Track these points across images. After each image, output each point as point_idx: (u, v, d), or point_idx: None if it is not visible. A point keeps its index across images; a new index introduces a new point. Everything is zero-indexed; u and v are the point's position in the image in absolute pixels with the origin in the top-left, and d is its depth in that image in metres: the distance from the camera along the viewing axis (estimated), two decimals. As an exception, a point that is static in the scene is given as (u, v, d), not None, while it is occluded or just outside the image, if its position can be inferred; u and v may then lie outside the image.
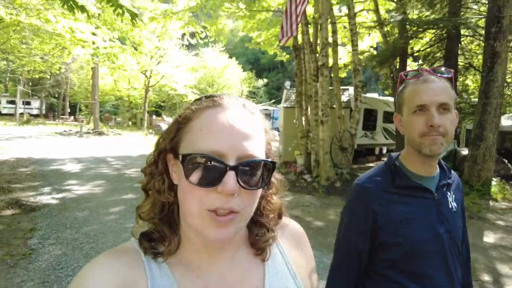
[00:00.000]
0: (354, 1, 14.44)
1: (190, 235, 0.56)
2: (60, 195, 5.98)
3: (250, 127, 0.53)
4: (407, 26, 11.54)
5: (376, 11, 13.88)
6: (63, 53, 19.65)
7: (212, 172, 0.49)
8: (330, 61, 8.87)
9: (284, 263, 0.64)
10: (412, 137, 0.95)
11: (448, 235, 0.98)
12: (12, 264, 3.34)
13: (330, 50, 8.28)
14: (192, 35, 17.87)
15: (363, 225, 0.99)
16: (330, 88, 9.66)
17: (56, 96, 43.01)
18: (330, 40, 8.92)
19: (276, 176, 0.65)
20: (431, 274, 0.95)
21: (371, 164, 12.46)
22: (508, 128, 12.33)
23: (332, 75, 9.09)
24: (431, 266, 0.96)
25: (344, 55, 15.44)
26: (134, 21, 4.02)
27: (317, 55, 7.74)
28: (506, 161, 9.31)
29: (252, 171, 0.51)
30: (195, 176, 0.49)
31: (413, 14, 13.23)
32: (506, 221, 5.63)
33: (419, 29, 11.14)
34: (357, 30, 12.80)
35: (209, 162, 0.49)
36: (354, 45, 7.92)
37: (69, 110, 42.06)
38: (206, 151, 0.49)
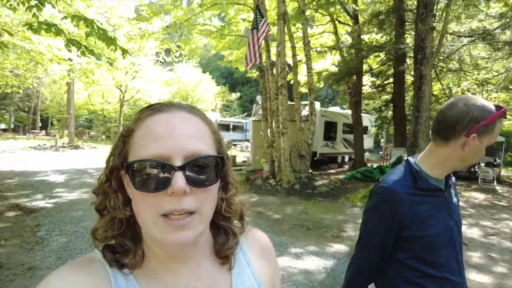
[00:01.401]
0: (316, 24, 16.13)
1: (152, 246, 0.56)
2: (53, 200, 6.81)
3: (193, 127, 0.53)
4: (365, 45, 13.16)
5: (335, 33, 15.52)
6: (37, 68, 20.04)
7: (159, 176, 0.49)
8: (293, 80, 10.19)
9: (250, 272, 0.64)
10: (472, 162, 1.11)
11: (456, 227, 1.14)
12: (29, 248, 4.25)
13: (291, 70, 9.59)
14: (167, 52, 18.92)
15: (389, 223, 1.09)
16: (292, 103, 11.00)
17: (26, 110, 42.33)
18: (291, 62, 10.27)
19: (235, 178, 0.66)
20: (445, 262, 1.09)
21: (332, 171, 13.84)
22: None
23: (294, 92, 10.43)
24: (446, 255, 1.10)
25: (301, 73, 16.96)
26: (124, 55, 5.06)
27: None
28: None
29: (200, 169, 0.51)
30: (143, 183, 0.49)
31: (370, 37, 14.98)
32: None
33: (370, 51, 12.76)
34: (312, 54, 14.37)
35: (154, 167, 0.49)
36: (309, 68, 9.26)
37: (40, 125, 41.43)
38: (150, 156, 0.49)
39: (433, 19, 8.47)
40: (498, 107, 1.05)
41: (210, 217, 0.57)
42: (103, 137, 33.64)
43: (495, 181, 10.98)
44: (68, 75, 17.83)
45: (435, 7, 9.95)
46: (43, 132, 37.80)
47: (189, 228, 0.51)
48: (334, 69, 16.85)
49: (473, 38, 11.81)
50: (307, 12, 13.15)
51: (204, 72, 39.27)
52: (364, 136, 17.36)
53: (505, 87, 15.84)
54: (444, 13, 8.77)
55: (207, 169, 0.53)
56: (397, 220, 1.09)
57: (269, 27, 7.61)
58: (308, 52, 9.14)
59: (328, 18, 15.19)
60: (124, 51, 4.92)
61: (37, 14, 3.97)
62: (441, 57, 12.13)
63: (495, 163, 11.55)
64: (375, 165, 13.32)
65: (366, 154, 20.33)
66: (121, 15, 25.10)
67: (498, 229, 5.91)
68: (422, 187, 1.10)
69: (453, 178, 1.22)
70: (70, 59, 15.67)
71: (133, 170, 0.50)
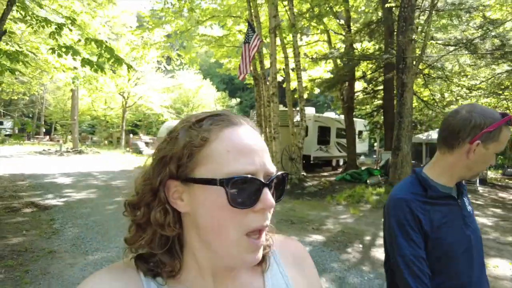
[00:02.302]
0: (311, 33, 16.85)
1: (200, 260, 0.55)
2: (63, 199, 7.49)
3: (263, 143, 0.55)
4: (353, 55, 13.86)
5: (329, 42, 16.27)
6: (42, 75, 20.84)
7: (249, 192, 0.49)
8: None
9: (281, 277, 0.64)
10: (479, 170, 1.11)
11: (474, 235, 1.12)
12: (47, 237, 4.92)
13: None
14: (169, 61, 19.69)
15: (415, 232, 1.07)
16: (285, 109, 11.69)
17: (31, 116, 43.20)
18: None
19: None
20: (462, 271, 1.07)
21: (325, 174, 14.48)
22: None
23: (287, 99, 11.12)
24: (462, 264, 1.08)
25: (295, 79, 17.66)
26: (129, 70, 5.75)
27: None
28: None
29: (276, 186, 0.54)
30: (235, 199, 0.48)
31: (361, 45, 15.69)
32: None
33: (360, 60, 13.46)
34: (308, 61, 15.11)
35: (247, 183, 0.49)
36: (299, 77, 9.96)
37: (44, 130, 42.24)
38: (241, 173, 0.49)
39: (413, 31, 9.15)
40: (503, 115, 1.06)
41: None
42: (106, 142, 34.39)
43: (477, 181, 11.59)
44: (73, 82, 18.57)
45: (418, 19, 10.69)
46: (47, 137, 38.61)
47: (262, 247, 0.52)
48: (329, 76, 17.55)
49: (457, 47, 12.48)
50: (302, 22, 13.98)
51: (204, 78, 40.09)
52: (358, 140, 18.05)
53: (494, 92, 16.55)
54: (425, 26, 9.45)
55: (279, 186, 0.54)
56: (418, 227, 1.07)
57: (260, 41, 8.31)
58: (298, 62, 9.84)
59: (322, 27, 15.94)
60: (129, 67, 5.62)
61: (56, 38, 4.69)
62: (425, 66, 12.79)
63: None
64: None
65: (362, 158, 21.04)
66: (124, 23, 26.00)
67: (466, 224, 6.54)
68: (432, 195, 1.10)
69: (465, 186, 1.22)
70: (75, 68, 16.43)
71: (230, 185, 0.48)
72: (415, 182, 1.15)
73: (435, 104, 15.87)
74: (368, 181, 10.66)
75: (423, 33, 10.11)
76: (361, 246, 5.05)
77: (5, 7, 4.15)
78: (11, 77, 21.90)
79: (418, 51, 10.19)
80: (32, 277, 3.56)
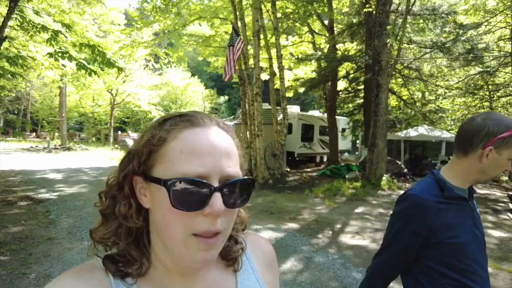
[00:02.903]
0: (296, 33, 17.35)
1: (163, 257, 0.55)
2: (56, 193, 7.89)
3: (228, 146, 0.53)
4: (334, 56, 14.48)
5: (313, 42, 16.87)
6: (29, 72, 20.90)
7: (197, 195, 0.48)
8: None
9: (255, 277, 0.65)
10: (493, 175, 1.17)
11: (481, 236, 1.20)
12: (45, 226, 5.35)
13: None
14: (157, 59, 19.97)
15: (416, 229, 1.14)
16: (269, 108, 12.22)
17: (16, 112, 42.71)
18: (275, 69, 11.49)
19: None
20: (473, 269, 1.13)
21: (308, 170, 15.10)
22: (415, 138, 15.44)
23: (270, 99, 11.65)
24: (474, 263, 1.14)
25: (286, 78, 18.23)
26: (119, 72, 6.18)
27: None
28: (400, 162, 12.25)
29: (234, 191, 0.52)
30: (181, 201, 0.48)
31: (343, 46, 16.33)
32: (376, 201, 8.29)
33: (340, 61, 14.07)
34: (293, 61, 15.66)
35: (194, 185, 0.48)
36: (281, 78, 10.50)
37: (31, 126, 41.76)
38: (190, 174, 0.48)
39: (387, 36, 9.77)
40: None
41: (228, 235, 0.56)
42: (94, 139, 34.44)
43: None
44: (61, 79, 18.70)
45: (395, 23, 11.33)
46: (34, 134, 38.31)
47: (215, 248, 0.51)
48: (314, 75, 18.14)
49: (432, 50, 13.19)
50: (287, 23, 14.52)
51: (193, 75, 40.33)
52: (341, 137, 18.74)
53: (470, 92, 17.43)
54: (400, 31, 10.07)
55: (239, 191, 0.53)
56: (426, 226, 1.13)
57: (244, 44, 8.80)
58: (280, 63, 10.38)
59: (306, 28, 16.49)
60: (120, 69, 6.05)
61: (53, 43, 5.11)
62: (402, 67, 13.48)
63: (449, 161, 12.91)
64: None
65: (345, 155, 21.78)
66: (112, 20, 26.08)
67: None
68: (448, 195, 1.15)
69: (474, 188, 1.29)
70: (63, 65, 16.62)
71: (172, 186, 0.48)
72: (433, 183, 1.21)
73: (414, 103, 16.65)
74: (346, 176, 11.30)
75: (398, 37, 10.74)
76: (330, 232, 5.64)
77: (5, 15, 4.55)
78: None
79: (395, 54, 10.83)
80: (35, 259, 4.02)
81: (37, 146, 23.03)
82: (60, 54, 5.01)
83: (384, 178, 10.32)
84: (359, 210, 7.35)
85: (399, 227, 1.19)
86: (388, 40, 9.75)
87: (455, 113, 19.32)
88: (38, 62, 15.54)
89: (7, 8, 4.43)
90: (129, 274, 0.54)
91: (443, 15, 11.94)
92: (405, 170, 11.91)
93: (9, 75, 4.99)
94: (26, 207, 6.55)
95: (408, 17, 11.93)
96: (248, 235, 0.70)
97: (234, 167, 0.53)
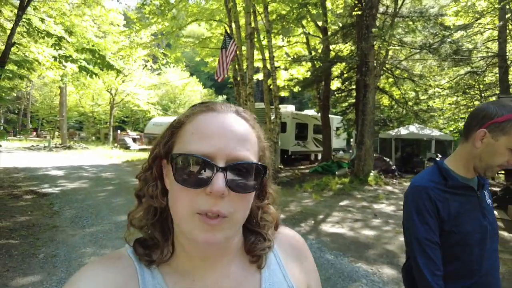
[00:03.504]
0: (292, 34, 17.79)
1: (183, 242, 0.56)
2: (58, 188, 8.35)
3: (241, 131, 0.54)
4: (325, 57, 14.94)
5: (307, 43, 17.32)
6: (30, 72, 21.27)
7: (201, 173, 0.49)
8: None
9: (281, 274, 0.63)
10: (490, 162, 1.11)
11: (490, 226, 1.18)
12: (49, 216, 5.82)
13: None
14: (155, 59, 20.45)
15: (431, 218, 1.14)
16: (263, 107, 12.68)
17: (16, 112, 43.11)
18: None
19: (273, 187, 0.66)
20: (477, 258, 1.14)
21: (302, 167, 15.57)
22: (406, 136, 15.91)
23: (264, 98, 12.10)
24: (477, 251, 1.14)
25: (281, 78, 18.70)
26: (118, 74, 6.63)
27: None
28: (388, 159, 12.72)
29: (241, 174, 0.51)
30: (184, 177, 0.50)
31: (337, 46, 16.77)
32: (361, 195, 8.76)
33: (332, 61, 14.54)
34: (289, 61, 16.12)
35: (198, 163, 0.50)
36: (274, 79, 10.95)
37: (30, 126, 42.24)
38: (196, 153, 0.50)
39: (374, 39, 10.23)
40: None
41: (241, 224, 0.56)
42: (93, 138, 34.90)
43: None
44: (61, 79, 19.14)
45: (383, 24, 11.78)
46: (34, 133, 38.76)
47: (220, 230, 0.51)
48: (309, 75, 18.57)
49: (420, 51, 13.64)
50: (282, 24, 14.95)
51: (191, 75, 40.80)
52: (335, 136, 19.22)
53: (463, 91, 17.93)
54: (386, 33, 10.51)
55: (248, 176, 0.52)
56: (435, 214, 1.13)
57: (236, 47, 9.26)
58: (273, 65, 10.84)
59: (301, 30, 16.94)
60: (119, 71, 6.51)
61: (57, 48, 5.58)
62: (391, 67, 13.95)
63: (437, 158, 13.40)
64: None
65: (340, 153, 22.23)
66: (111, 21, 26.52)
67: (409, 206, 7.68)
68: (451, 184, 1.14)
69: (486, 180, 1.25)
70: (64, 66, 17.05)
71: (176, 162, 0.50)
72: (436, 172, 1.20)
73: (405, 102, 17.12)
74: (336, 172, 11.77)
75: (385, 39, 11.20)
76: (313, 222, 6.11)
77: (13, 23, 5.01)
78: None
79: (383, 54, 11.29)
80: (43, 243, 4.49)
81: (38, 145, 23.46)
82: (64, 58, 5.48)
83: (371, 174, 10.79)
84: (343, 203, 7.83)
85: (417, 223, 1.16)
86: (374, 42, 10.20)
87: (446, 112, 19.80)
88: (34, 58, 15.97)
89: (16, 16, 4.89)
90: (154, 261, 0.56)
91: (430, 17, 12.41)
92: (393, 167, 12.39)
93: (18, 78, 5.46)
94: (31, 200, 7.01)
95: (397, 19, 12.42)
96: (278, 230, 0.69)
97: (244, 152, 0.52)
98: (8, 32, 5.37)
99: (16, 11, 4.81)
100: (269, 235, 0.65)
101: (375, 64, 10.56)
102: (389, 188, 10.10)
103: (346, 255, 4.46)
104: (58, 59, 5.53)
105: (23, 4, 5.28)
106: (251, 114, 0.61)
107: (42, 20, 5.72)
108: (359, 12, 11.80)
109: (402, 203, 6.42)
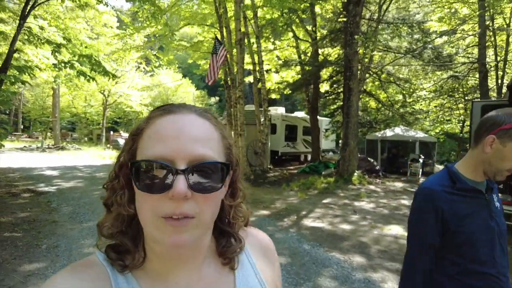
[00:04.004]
0: (282, 38, 18.27)
1: (153, 246, 0.56)
2: (55, 187, 8.69)
3: (201, 130, 0.53)
4: (313, 62, 15.46)
5: (297, 47, 17.81)
6: (31, 77, 21.45)
7: (161, 177, 0.49)
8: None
9: (254, 273, 0.65)
10: (499, 167, 1.15)
11: (498, 228, 1.21)
12: (48, 213, 6.19)
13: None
14: (148, 62, 20.78)
15: (433, 221, 1.18)
16: (253, 109, 13.14)
17: (7, 112, 42.90)
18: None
19: (243, 184, 0.66)
20: (485, 259, 1.17)
21: (291, 167, 16.06)
22: (391, 138, 16.49)
23: (254, 101, 12.57)
24: (483, 252, 1.17)
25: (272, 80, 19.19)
26: (113, 79, 7.01)
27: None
28: (372, 160, 13.27)
29: (205, 174, 0.51)
30: (146, 184, 0.50)
31: (325, 50, 17.30)
32: (344, 194, 9.27)
33: (320, 66, 15.06)
34: (279, 63, 16.61)
35: (157, 168, 0.49)
36: (263, 83, 11.42)
37: (22, 127, 42.10)
38: (154, 157, 0.49)
39: (357, 45, 10.76)
40: None
41: (210, 223, 0.56)
42: (86, 139, 35.01)
43: (419, 173, 13.41)
44: (55, 81, 19.36)
45: (368, 30, 12.34)
46: (25, 134, 38.67)
47: (186, 231, 0.50)
48: (299, 77, 19.06)
49: (404, 55, 14.26)
50: (272, 28, 15.41)
51: (184, 76, 41.12)
52: (324, 137, 19.75)
53: (448, 95, 18.61)
54: (369, 40, 11.07)
55: (211, 175, 0.52)
56: (440, 217, 1.17)
57: (226, 52, 9.70)
58: (261, 69, 11.32)
59: (291, 34, 17.44)
60: (114, 76, 6.90)
61: (56, 55, 5.95)
62: (375, 71, 14.53)
63: (419, 159, 13.98)
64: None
65: (330, 154, 22.79)
66: (105, 22, 26.78)
67: (388, 204, 8.20)
68: (460, 187, 1.19)
69: (495, 184, 1.28)
70: (59, 68, 17.28)
71: (136, 169, 0.50)
72: (445, 175, 1.23)
73: (391, 105, 17.73)
74: (323, 172, 12.27)
75: (369, 45, 11.75)
76: (295, 217, 6.58)
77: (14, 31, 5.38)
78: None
79: (368, 59, 11.84)
80: (44, 235, 4.87)
81: (30, 146, 23.59)
82: (63, 64, 5.86)
83: (355, 174, 11.31)
84: (326, 200, 8.31)
85: (419, 224, 1.22)
86: (358, 48, 10.73)
87: (431, 115, 20.47)
88: (34, 64, 16.20)
89: (18, 24, 5.26)
90: (127, 266, 0.55)
91: (413, 24, 13.01)
92: (377, 167, 12.94)
93: (19, 82, 5.84)
94: (29, 198, 7.36)
95: (382, 25, 13.00)
96: (247, 230, 0.70)
97: (206, 150, 0.51)
98: (10, 39, 5.75)
99: (12, 17, 5.18)
100: (240, 235, 0.65)
101: (359, 69, 11.08)
102: (372, 187, 10.63)
103: (322, 245, 4.93)
104: (58, 66, 5.91)
105: (24, 13, 5.67)
106: (212, 113, 0.60)
107: (41, 28, 6.09)
108: (345, 19, 12.35)
109: (382, 201, 6.95)
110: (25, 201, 7.04)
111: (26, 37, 5.81)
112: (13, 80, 5.62)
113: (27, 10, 5.67)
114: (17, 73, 5.68)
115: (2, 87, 5.71)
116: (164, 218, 0.49)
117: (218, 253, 0.63)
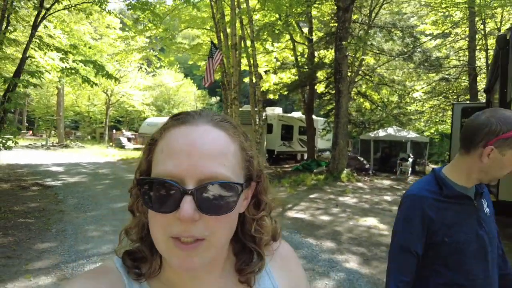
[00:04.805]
0: (281, 41, 18.84)
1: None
2: (61, 182, 9.35)
3: (216, 144, 0.49)
4: (307, 64, 16.07)
5: (294, 49, 18.40)
6: (40, 81, 22.15)
7: (170, 197, 0.46)
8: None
9: (272, 286, 0.62)
10: (496, 175, 1.12)
11: (487, 236, 1.16)
12: (55, 203, 6.83)
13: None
14: (149, 63, 21.47)
15: (418, 230, 1.13)
16: (248, 110, 13.76)
17: (12, 111, 43.72)
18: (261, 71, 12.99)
19: (270, 195, 0.63)
20: (473, 270, 1.13)
21: (286, 165, 16.67)
22: (384, 138, 17.02)
23: (250, 102, 13.18)
24: (474, 263, 1.13)
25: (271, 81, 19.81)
26: (116, 82, 7.64)
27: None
28: (362, 159, 13.86)
29: (215, 194, 0.47)
30: (154, 202, 0.47)
31: (320, 53, 17.89)
32: (331, 190, 9.87)
33: (315, 68, 15.66)
34: (277, 64, 17.22)
35: (164, 187, 0.47)
36: (257, 84, 12.03)
37: (26, 125, 42.91)
38: (163, 175, 0.47)
39: (346, 49, 11.35)
40: None
41: (224, 244, 0.54)
42: (89, 137, 35.75)
43: (408, 172, 13.98)
44: (59, 81, 20.02)
45: (358, 34, 12.91)
46: (30, 132, 39.46)
47: (195, 255, 0.47)
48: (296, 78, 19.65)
49: (394, 58, 14.82)
50: (270, 30, 16.02)
51: (186, 76, 41.83)
52: (320, 137, 20.35)
53: (439, 94, 19.16)
54: (358, 44, 11.65)
55: (223, 195, 0.48)
56: (426, 225, 1.13)
57: (222, 56, 10.32)
58: (256, 72, 11.92)
59: (288, 37, 18.04)
60: (116, 80, 7.53)
61: (64, 61, 6.60)
62: (367, 72, 15.11)
63: (408, 158, 14.55)
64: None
65: (326, 153, 23.37)
66: (108, 24, 27.49)
67: (370, 199, 8.78)
68: (447, 194, 1.14)
69: (485, 188, 1.24)
70: (62, 68, 17.96)
71: (143, 186, 0.48)
72: (432, 181, 1.20)
73: (385, 106, 18.30)
74: (314, 170, 12.87)
75: (358, 49, 12.34)
76: (281, 209, 7.18)
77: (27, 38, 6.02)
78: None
79: (358, 62, 12.43)
80: (53, 221, 5.51)
81: (35, 144, 24.31)
82: (70, 71, 6.50)
83: (344, 172, 11.90)
84: (313, 195, 8.92)
85: (403, 232, 1.18)
86: (347, 53, 11.32)
87: (424, 116, 21.00)
88: (43, 68, 16.87)
89: (30, 34, 5.91)
90: (142, 275, 0.54)
91: (403, 28, 13.57)
92: (367, 166, 13.52)
93: (32, 86, 6.49)
94: (38, 191, 8.01)
95: (374, 29, 13.57)
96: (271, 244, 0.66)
97: (217, 169, 0.48)
98: (21, 45, 6.42)
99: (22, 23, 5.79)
100: (263, 252, 0.61)
101: (350, 72, 11.66)
102: (359, 184, 11.22)
103: (300, 232, 5.54)
104: (65, 71, 6.56)
105: (35, 23, 6.32)
106: (231, 122, 0.55)
107: (50, 36, 6.72)
108: (335, 24, 12.95)
109: (365, 196, 7.62)
110: (34, 193, 7.69)
111: (37, 44, 6.45)
112: (26, 84, 6.26)
113: (38, 21, 6.32)
114: (29, 77, 6.32)
115: (16, 90, 6.35)
116: (173, 238, 0.47)
117: (236, 269, 0.60)
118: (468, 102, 13.90)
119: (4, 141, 6.30)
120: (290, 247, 0.73)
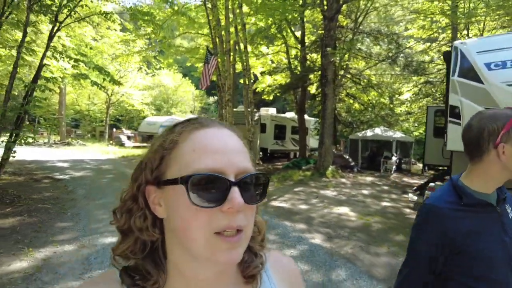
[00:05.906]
0: (275, 44, 19.73)
1: (182, 268, 0.54)
2: (68, 176, 10.26)
3: (238, 144, 0.54)
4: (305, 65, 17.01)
5: (287, 52, 19.34)
6: (31, 72, 23.01)
7: (215, 191, 0.48)
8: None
9: None
10: None
11: (511, 242, 1.11)
12: (67, 193, 7.76)
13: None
14: (149, 64, 22.37)
15: (434, 239, 1.10)
16: (243, 110, 14.69)
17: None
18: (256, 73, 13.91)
19: None
20: (497, 278, 1.08)
21: (279, 163, 17.62)
22: (371, 137, 17.99)
23: (244, 103, 14.10)
24: (498, 271, 1.08)
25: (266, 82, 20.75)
26: (118, 85, 8.53)
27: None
28: (347, 156, 14.83)
29: (250, 185, 0.51)
30: (199, 197, 0.48)
31: (311, 56, 18.83)
32: (315, 184, 10.81)
33: (306, 71, 16.59)
34: (271, 66, 18.15)
35: (210, 181, 0.48)
36: (250, 87, 12.96)
37: (27, 123, 43.55)
38: (205, 170, 0.48)
39: (332, 55, 12.26)
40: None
41: (250, 237, 0.55)
42: (89, 136, 36.63)
43: (392, 169, 14.94)
44: (62, 80, 20.84)
45: (344, 40, 13.84)
46: (31, 130, 40.22)
47: (239, 245, 0.50)
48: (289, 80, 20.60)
49: (380, 62, 15.75)
50: (265, 33, 16.96)
51: (185, 76, 42.78)
52: (312, 136, 21.33)
53: (426, 96, 20.10)
54: (342, 50, 12.58)
55: (256, 187, 0.52)
56: (443, 236, 1.10)
57: (217, 62, 11.24)
58: (249, 76, 12.86)
59: (282, 41, 18.97)
60: (118, 83, 8.45)
61: (75, 68, 7.52)
62: (352, 75, 16.06)
63: (392, 156, 15.52)
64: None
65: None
66: (109, 25, 28.37)
67: (349, 193, 9.73)
68: (467, 202, 1.11)
69: (508, 193, 1.21)
70: (65, 68, 18.82)
71: (191, 183, 0.48)
72: (451, 190, 1.18)
73: (373, 107, 19.25)
74: (303, 167, 13.82)
75: (343, 55, 13.26)
76: (266, 200, 8.11)
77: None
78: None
79: (344, 67, 13.35)
80: (68, 207, 6.44)
81: (38, 141, 25.13)
82: (81, 76, 7.42)
83: (329, 168, 12.84)
84: (297, 189, 9.86)
85: (417, 240, 1.18)
86: (332, 59, 12.25)
87: (412, 116, 21.97)
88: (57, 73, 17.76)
89: (46, 44, 6.83)
90: (145, 287, 0.53)
91: (387, 34, 14.51)
92: (352, 163, 14.48)
93: (47, 90, 7.40)
94: (49, 183, 8.93)
95: (361, 35, 14.51)
96: (270, 253, 0.68)
97: (247, 163, 0.53)
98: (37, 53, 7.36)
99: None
100: (259, 249, 0.63)
101: (338, 76, 12.59)
102: (343, 180, 12.17)
103: (279, 217, 6.49)
104: (77, 78, 7.48)
105: (51, 34, 7.23)
106: (235, 127, 0.60)
107: (64, 46, 7.61)
108: (323, 31, 13.88)
109: (345, 190, 8.67)
110: (46, 185, 8.61)
111: (52, 52, 7.34)
112: (43, 89, 7.18)
113: (53, 32, 7.23)
114: (46, 82, 7.22)
115: (34, 94, 7.27)
116: (217, 234, 0.48)
117: (241, 271, 0.60)
118: (440, 105, 14.83)
119: (25, 138, 7.22)
120: (294, 262, 0.74)
